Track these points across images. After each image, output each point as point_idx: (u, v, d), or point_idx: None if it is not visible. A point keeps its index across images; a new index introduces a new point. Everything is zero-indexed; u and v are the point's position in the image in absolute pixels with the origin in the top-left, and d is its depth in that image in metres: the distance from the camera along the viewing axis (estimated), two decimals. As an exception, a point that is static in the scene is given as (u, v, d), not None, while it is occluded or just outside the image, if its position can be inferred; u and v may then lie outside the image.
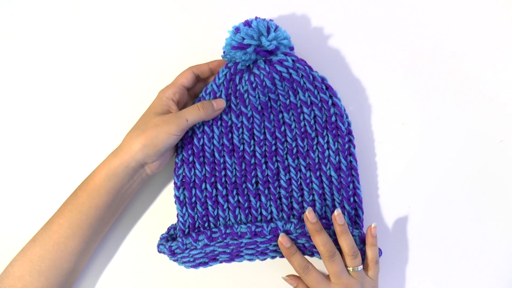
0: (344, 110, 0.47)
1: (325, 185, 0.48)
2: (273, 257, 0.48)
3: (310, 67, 0.46)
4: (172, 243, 0.46)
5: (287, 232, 0.46)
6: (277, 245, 0.47)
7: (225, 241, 0.46)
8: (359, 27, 0.51)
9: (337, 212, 0.45)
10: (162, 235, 0.48)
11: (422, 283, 0.51)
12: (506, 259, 0.51)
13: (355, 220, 0.48)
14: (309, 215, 0.45)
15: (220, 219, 0.48)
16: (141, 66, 0.51)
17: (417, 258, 0.51)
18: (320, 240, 0.45)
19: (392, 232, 0.49)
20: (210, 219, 0.48)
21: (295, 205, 0.48)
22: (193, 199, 0.47)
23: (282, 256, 0.47)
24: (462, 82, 0.51)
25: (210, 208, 0.48)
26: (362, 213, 0.48)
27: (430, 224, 0.51)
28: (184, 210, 0.47)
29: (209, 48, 0.49)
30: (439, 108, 0.51)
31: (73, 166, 0.51)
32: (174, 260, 0.47)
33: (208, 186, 0.47)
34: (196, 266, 0.47)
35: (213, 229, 0.47)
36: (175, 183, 0.47)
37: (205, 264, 0.47)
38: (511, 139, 0.51)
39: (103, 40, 0.52)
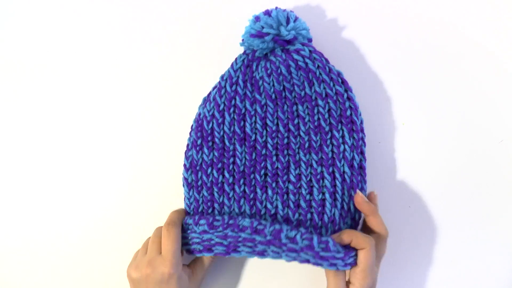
0: (358, 106, 0.46)
1: (337, 182, 0.46)
2: (274, 258, 0.44)
3: (327, 60, 0.46)
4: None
5: (292, 241, 0.42)
6: (276, 252, 0.43)
7: (224, 231, 0.44)
8: (360, 27, 0.51)
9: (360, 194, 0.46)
10: None
11: (422, 283, 0.50)
12: (506, 259, 0.50)
13: (354, 223, 0.46)
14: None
15: (225, 207, 0.47)
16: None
17: (417, 258, 0.50)
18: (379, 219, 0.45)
19: (392, 232, 0.47)
20: (215, 205, 0.47)
21: (301, 203, 0.46)
22: (199, 182, 0.47)
23: (290, 260, 0.43)
24: (463, 82, 0.50)
25: (216, 194, 0.46)
26: (360, 217, 0.47)
27: (430, 224, 0.51)
28: (190, 192, 0.47)
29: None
30: (439, 108, 0.50)
31: (73, 167, 0.51)
32: None
33: (214, 171, 0.47)
34: (191, 252, 0.45)
35: (216, 217, 0.45)
36: (184, 165, 0.47)
37: (199, 251, 0.45)
38: (511, 139, 0.50)
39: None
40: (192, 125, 0.48)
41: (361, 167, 0.46)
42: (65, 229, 0.51)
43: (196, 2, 0.51)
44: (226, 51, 0.49)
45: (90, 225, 0.51)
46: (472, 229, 0.50)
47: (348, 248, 0.43)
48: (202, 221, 0.45)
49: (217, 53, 0.50)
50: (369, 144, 0.50)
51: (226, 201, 0.46)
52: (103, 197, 0.51)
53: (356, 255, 0.43)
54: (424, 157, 0.50)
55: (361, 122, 0.47)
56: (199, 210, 0.47)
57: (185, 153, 0.47)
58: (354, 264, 0.43)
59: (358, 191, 0.46)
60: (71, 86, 0.52)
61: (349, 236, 0.43)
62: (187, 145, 0.47)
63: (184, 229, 0.46)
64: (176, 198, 0.49)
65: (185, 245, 0.46)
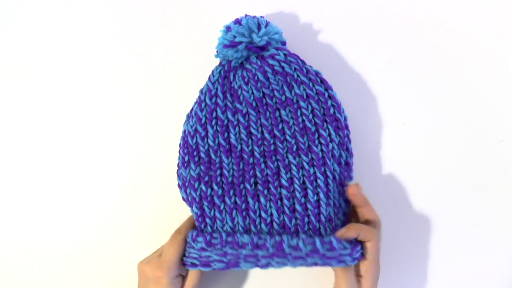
0: (340, 103, 0.46)
1: (329, 181, 0.45)
2: (279, 268, 0.43)
3: (303, 61, 0.46)
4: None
5: (295, 249, 0.42)
6: (280, 262, 0.43)
7: (223, 249, 0.43)
8: (355, 25, 0.51)
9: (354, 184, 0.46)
10: None
11: (422, 283, 0.50)
12: (506, 259, 0.50)
13: (343, 219, 0.47)
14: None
15: (217, 221, 0.46)
16: (135, 68, 0.51)
17: (417, 258, 0.50)
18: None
19: (392, 232, 0.48)
20: (207, 220, 0.46)
21: (297, 207, 0.45)
22: (190, 198, 0.46)
23: (297, 266, 0.43)
24: (463, 82, 0.50)
25: (206, 208, 0.46)
26: (348, 211, 0.47)
27: (430, 225, 0.50)
28: (195, 209, 0.47)
29: (202, 51, 0.50)
30: (439, 108, 0.50)
31: (73, 167, 0.51)
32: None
33: (202, 185, 0.46)
34: (186, 264, 0.45)
35: (214, 234, 0.45)
36: (178, 184, 0.47)
37: (195, 266, 0.44)
38: (511, 139, 0.50)
39: (94, 43, 0.52)
40: (179, 143, 0.47)
41: (347, 164, 0.47)
42: (62, 229, 0.51)
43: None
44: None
45: (88, 226, 0.51)
46: (472, 229, 0.50)
47: (354, 243, 0.43)
48: (199, 239, 0.44)
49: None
50: (369, 144, 0.50)
51: (217, 214, 0.46)
52: (101, 198, 0.51)
53: (362, 248, 0.44)
54: (424, 157, 0.50)
55: (345, 119, 0.47)
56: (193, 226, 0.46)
57: (177, 172, 0.47)
58: (361, 258, 0.43)
59: (351, 183, 0.46)
60: (61, 98, 0.52)
61: (355, 231, 0.43)
62: (177, 164, 0.47)
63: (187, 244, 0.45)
64: (174, 200, 0.49)
65: (186, 257, 0.45)
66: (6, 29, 0.52)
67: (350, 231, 0.43)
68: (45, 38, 0.52)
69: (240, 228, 0.45)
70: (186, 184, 0.46)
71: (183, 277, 0.46)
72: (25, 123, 0.52)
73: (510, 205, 0.50)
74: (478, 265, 0.50)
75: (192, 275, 0.46)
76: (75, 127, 0.52)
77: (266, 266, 0.43)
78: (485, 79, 0.50)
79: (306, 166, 0.46)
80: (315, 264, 0.42)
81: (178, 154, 0.47)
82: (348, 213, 0.47)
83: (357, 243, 0.44)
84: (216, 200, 0.46)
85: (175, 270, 0.44)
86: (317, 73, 0.46)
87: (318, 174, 0.45)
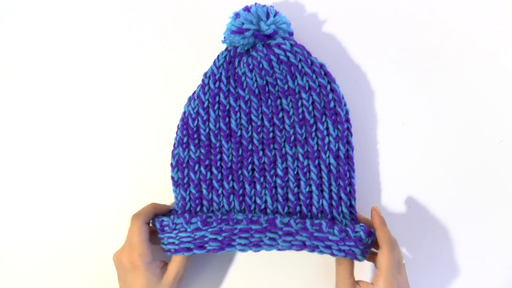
0: (343, 97, 0.47)
1: (323, 174, 0.46)
2: (268, 250, 0.45)
3: (308, 52, 0.46)
4: (164, 218, 0.45)
5: (287, 225, 0.44)
6: (272, 238, 0.44)
7: (219, 226, 0.44)
8: (362, 24, 0.51)
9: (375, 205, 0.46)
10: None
11: (422, 283, 0.50)
12: (506, 259, 0.50)
13: (350, 211, 0.46)
14: (377, 209, 0.46)
15: (214, 204, 0.47)
16: (142, 59, 0.52)
17: (417, 258, 0.50)
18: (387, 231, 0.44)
19: (391, 232, 0.46)
20: (204, 202, 0.47)
21: (290, 196, 0.46)
22: (186, 180, 0.47)
23: (280, 249, 0.44)
24: (463, 82, 0.51)
25: (204, 191, 0.46)
26: (355, 204, 0.47)
27: (430, 225, 0.51)
28: (178, 190, 0.47)
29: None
30: (439, 108, 0.51)
31: (73, 167, 0.51)
32: (161, 238, 0.45)
33: (202, 168, 0.47)
34: (178, 251, 0.45)
35: (209, 214, 0.45)
36: (171, 164, 0.47)
37: (188, 250, 0.44)
38: (511, 139, 0.51)
39: (101, 36, 0.52)
40: (178, 124, 0.48)
41: (348, 157, 0.47)
42: (58, 227, 0.51)
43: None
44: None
45: (84, 224, 0.51)
46: (472, 229, 0.50)
47: (365, 242, 0.44)
48: (194, 219, 0.44)
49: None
50: (369, 144, 0.50)
51: (215, 197, 0.46)
52: (95, 196, 0.51)
53: (354, 247, 0.44)
54: (423, 157, 0.51)
55: (346, 113, 0.47)
56: (187, 208, 0.46)
57: (172, 152, 0.47)
58: (351, 253, 0.44)
59: (376, 207, 0.46)
60: (59, 88, 0.52)
61: (378, 224, 0.44)
62: (174, 144, 0.48)
63: (170, 230, 0.45)
64: (168, 196, 0.49)
65: (171, 244, 0.45)
66: (6, 30, 0.52)
67: (374, 218, 0.44)
68: (53, 26, 0.52)
69: (236, 212, 0.46)
70: (184, 165, 0.47)
71: (164, 264, 0.45)
72: (23, 123, 0.52)
73: (510, 205, 0.50)
74: (478, 265, 0.50)
75: (176, 260, 0.45)
76: (75, 120, 0.51)
77: (258, 245, 0.44)
78: (485, 79, 0.51)
79: (300, 158, 0.46)
80: (303, 244, 0.44)
81: (175, 135, 0.47)
82: (355, 208, 0.47)
83: (361, 242, 0.44)
84: (215, 184, 0.47)
85: (148, 253, 0.43)
86: (321, 65, 0.46)
87: (311, 167, 0.46)
